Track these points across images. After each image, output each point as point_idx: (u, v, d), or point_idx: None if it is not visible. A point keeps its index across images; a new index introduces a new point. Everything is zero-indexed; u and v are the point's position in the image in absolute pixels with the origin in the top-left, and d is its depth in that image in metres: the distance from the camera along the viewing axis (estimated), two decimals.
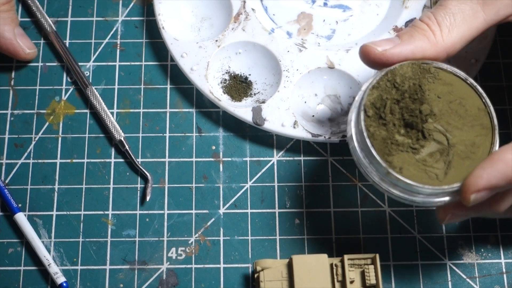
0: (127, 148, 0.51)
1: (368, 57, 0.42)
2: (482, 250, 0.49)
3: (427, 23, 0.42)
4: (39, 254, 0.48)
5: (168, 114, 0.53)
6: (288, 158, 0.52)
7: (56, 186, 0.51)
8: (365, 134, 0.40)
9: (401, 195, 0.40)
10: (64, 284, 0.47)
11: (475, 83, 0.42)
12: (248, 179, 0.51)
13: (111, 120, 0.52)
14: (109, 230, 0.49)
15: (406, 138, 0.40)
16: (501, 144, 0.40)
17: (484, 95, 0.41)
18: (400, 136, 0.40)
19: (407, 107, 0.40)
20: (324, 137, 0.50)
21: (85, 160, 0.51)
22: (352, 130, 0.41)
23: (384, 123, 0.40)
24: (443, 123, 0.40)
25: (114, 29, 0.56)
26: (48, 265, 0.47)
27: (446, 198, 0.40)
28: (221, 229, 0.50)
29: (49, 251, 0.49)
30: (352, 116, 0.42)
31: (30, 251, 0.49)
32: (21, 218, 0.49)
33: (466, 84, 0.42)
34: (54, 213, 0.50)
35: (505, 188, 0.39)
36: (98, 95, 0.53)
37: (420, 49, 0.41)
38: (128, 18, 0.56)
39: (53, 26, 0.55)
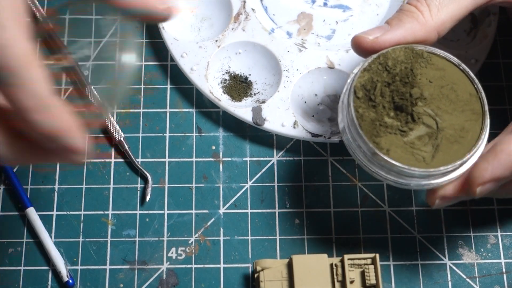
0: (127, 148, 0.51)
1: (360, 47, 0.42)
2: (482, 250, 0.49)
3: (415, 5, 0.42)
4: (47, 249, 0.48)
5: (168, 114, 0.53)
6: (288, 158, 0.52)
7: (56, 186, 0.51)
8: (353, 114, 0.40)
9: (388, 177, 0.40)
10: (71, 281, 0.47)
11: (467, 69, 0.42)
12: (248, 179, 0.51)
13: (111, 120, 0.52)
14: (109, 230, 0.49)
15: (395, 120, 0.40)
16: (491, 129, 0.40)
17: (476, 81, 0.41)
18: (389, 119, 0.40)
19: (397, 90, 0.40)
20: (324, 137, 0.50)
21: (85, 160, 0.51)
22: (342, 112, 0.42)
23: (374, 105, 0.40)
24: (433, 107, 0.40)
25: (114, 28, 0.56)
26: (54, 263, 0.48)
27: (434, 181, 0.40)
28: (221, 229, 0.50)
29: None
30: (344, 98, 0.42)
31: (32, 249, 0.49)
32: (32, 213, 0.49)
33: (458, 70, 0.42)
34: (54, 213, 0.50)
35: (510, 178, 0.39)
36: (98, 95, 0.53)
37: (410, 31, 0.41)
38: None
39: (52, 26, 0.55)
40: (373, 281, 0.45)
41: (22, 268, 0.48)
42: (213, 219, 0.50)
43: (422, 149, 0.39)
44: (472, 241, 0.49)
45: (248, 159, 0.52)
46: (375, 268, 0.45)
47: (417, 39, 0.42)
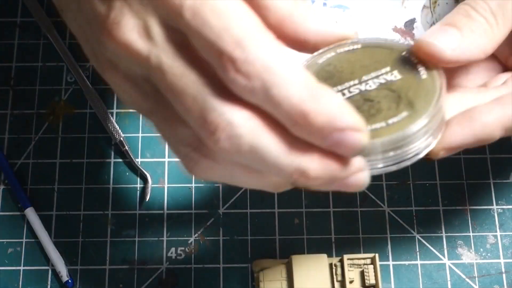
0: (127, 148, 0.51)
1: (436, 59, 0.35)
2: (482, 250, 0.49)
3: (484, 16, 0.36)
4: (47, 249, 0.48)
5: None
6: None
7: (56, 186, 0.51)
8: None
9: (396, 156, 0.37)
10: (70, 281, 0.47)
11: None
12: None
13: (111, 120, 0.52)
14: (109, 230, 0.49)
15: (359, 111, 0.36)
16: None
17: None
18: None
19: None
20: None
21: (85, 160, 0.51)
22: None
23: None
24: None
25: None
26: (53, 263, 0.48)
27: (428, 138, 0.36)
28: (221, 229, 0.50)
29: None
30: None
31: (32, 249, 0.49)
32: (31, 213, 0.49)
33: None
34: (54, 213, 0.50)
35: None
36: (98, 95, 0.53)
37: (482, 47, 0.36)
38: None
39: (52, 26, 0.55)
40: (373, 281, 0.45)
41: (21, 268, 0.48)
42: (212, 219, 0.50)
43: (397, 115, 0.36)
44: (472, 241, 0.49)
45: None
46: (375, 268, 0.45)
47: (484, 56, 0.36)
